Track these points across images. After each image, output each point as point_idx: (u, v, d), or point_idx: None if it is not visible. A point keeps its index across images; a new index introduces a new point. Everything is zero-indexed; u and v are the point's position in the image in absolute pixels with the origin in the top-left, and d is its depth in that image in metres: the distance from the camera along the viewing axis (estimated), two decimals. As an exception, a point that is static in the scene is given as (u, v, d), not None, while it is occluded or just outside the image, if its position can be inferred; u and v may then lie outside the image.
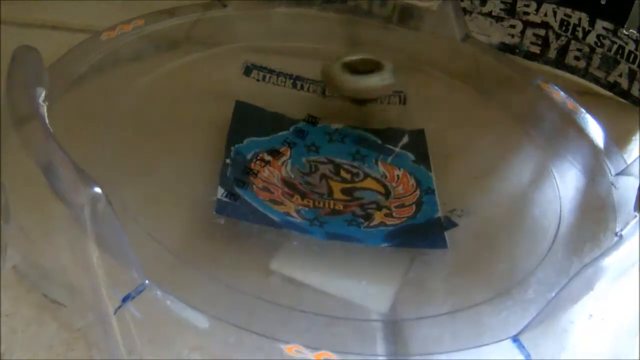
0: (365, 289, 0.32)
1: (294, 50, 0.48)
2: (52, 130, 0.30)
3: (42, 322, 0.28)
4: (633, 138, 0.47)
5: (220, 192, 0.35)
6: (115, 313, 0.26)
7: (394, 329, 0.30)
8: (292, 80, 0.45)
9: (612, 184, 0.39)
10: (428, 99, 0.46)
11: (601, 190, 0.39)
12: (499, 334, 0.29)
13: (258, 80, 0.45)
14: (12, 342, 0.27)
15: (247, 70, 0.45)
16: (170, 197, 0.35)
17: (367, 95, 0.43)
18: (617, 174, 0.39)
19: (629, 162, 0.40)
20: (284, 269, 0.32)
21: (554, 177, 0.41)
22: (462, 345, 0.28)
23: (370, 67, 0.43)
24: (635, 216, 0.35)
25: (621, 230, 0.36)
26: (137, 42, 0.43)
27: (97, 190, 0.26)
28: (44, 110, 0.31)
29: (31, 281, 0.30)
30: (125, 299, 0.26)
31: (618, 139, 0.45)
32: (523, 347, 0.27)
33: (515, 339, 0.28)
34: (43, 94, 0.32)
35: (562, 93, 0.45)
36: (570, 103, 0.44)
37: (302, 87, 0.45)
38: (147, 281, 0.26)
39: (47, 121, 0.31)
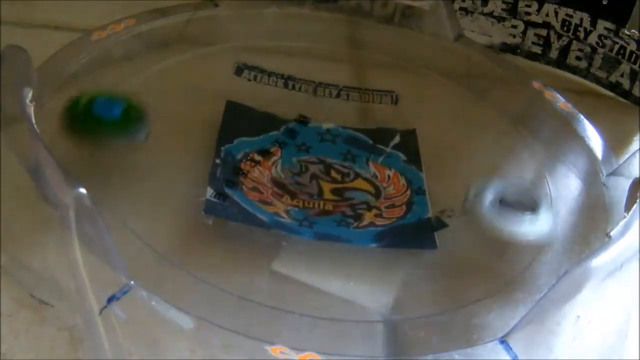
0: (356, 289, 0.32)
1: (286, 50, 0.48)
2: (38, 131, 0.30)
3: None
4: (634, 139, 0.47)
5: (209, 192, 0.35)
6: (100, 314, 0.26)
7: (381, 330, 0.30)
8: (283, 80, 0.45)
9: (604, 185, 0.39)
10: (420, 98, 0.46)
11: (593, 191, 0.39)
12: (488, 335, 0.29)
13: (249, 80, 0.45)
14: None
15: (239, 70, 0.45)
16: (158, 196, 0.35)
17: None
18: (609, 175, 0.39)
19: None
20: (282, 270, 0.32)
21: (546, 178, 0.40)
22: (449, 346, 0.28)
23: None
24: (625, 217, 0.35)
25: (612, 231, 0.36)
26: (128, 42, 0.43)
27: (82, 190, 0.26)
28: (31, 110, 0.31)
29: (18, 281, 0.29)
30: (110, 300, 0.26)
31: (619, 140, 0.45)
32: (510, 348, 0.27)
33: (502, 341, 0.27)
34: (30, 94, 0.32)
35: (554, 93, 0.45)
36: (563, 103, 0.44)
37: (293, 87, 0.45)
38: (132, 282, 0.26)
39: (34, 121, 0.30)
